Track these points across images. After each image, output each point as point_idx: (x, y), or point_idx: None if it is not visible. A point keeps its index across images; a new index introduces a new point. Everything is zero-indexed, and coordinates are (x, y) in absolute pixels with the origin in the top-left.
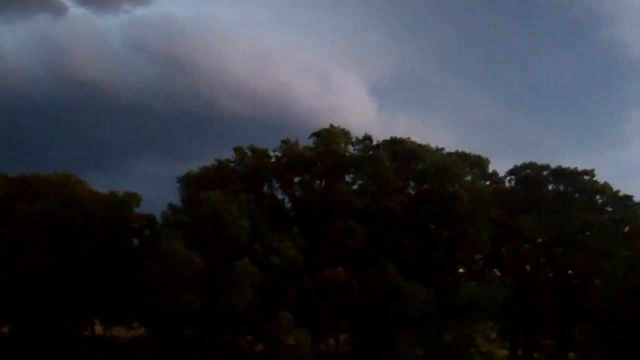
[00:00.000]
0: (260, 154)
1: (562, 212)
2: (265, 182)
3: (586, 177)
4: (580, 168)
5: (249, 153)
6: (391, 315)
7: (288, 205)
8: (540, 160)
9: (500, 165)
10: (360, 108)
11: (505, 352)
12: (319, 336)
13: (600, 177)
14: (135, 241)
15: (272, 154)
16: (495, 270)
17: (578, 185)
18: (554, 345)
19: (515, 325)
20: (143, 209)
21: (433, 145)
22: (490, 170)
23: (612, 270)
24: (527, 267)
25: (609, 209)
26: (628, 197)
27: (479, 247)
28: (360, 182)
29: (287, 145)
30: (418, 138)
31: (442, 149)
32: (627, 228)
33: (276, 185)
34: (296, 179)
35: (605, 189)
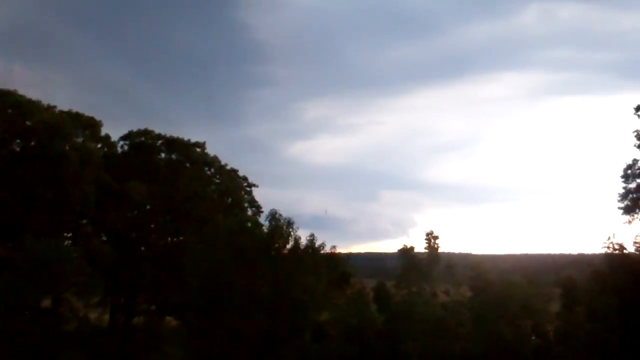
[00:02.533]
0: None
1: (172, 181)
2: None
3: (198, 149)
4: (194, 140)
5: None
6: None
7: None
8: (161, 130)
9: (122, 131)
10: None
11: (107, 317)
12: None
13: (213, 150)
14: None
15: None
16: (103, 235)
17: (190, 156)
18: (154, 310)
19: (117, 291)
20: None
21: (48, 101)
22: (104, 133)
23: (213, 238)
24: (134, 234)
25: (217, 180)
26: (234, 171)
27: (85, 211)
28: None
29: None
30: (36, 92)
31: (54, 106)
32: (230, 199)
33: None
34: None
35: (214, 162)
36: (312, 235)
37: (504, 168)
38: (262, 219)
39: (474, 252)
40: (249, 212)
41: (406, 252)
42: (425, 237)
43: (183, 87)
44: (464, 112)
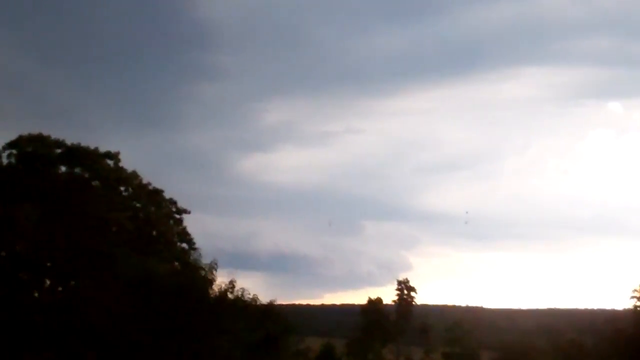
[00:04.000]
0: None
1: (74, 205)
2: None
3: (109, 162)
4: (105, 149)
5: None
6: None
7: None
8: (62, 135)
9: (8, 137)
10: None
11: None
12: None
13: (132, 164)
14: None
15: None
16: None
17: (98, 171)
18: None
19: None
20: None
21: None
22: None
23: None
24: (24, 274)
25: (135, 204)
26: (158, 192)
27: None
28: None
29: None
30: None
31: None
32: (154, 231)
33: None
34: None
35: (131, 179)
36: (231, 282)
37: (525, 194)
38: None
39: (471, 304)
40: (182, 247)
41: (371, 307)
42: (397, 286)
43: (97, 79)
44: (472, 119)
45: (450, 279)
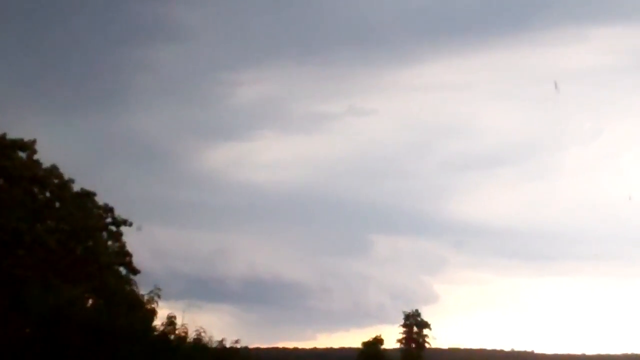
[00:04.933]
0: None
1: None
2: None
3: (21, 154)
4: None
5: None
6: None
7: None
8: None
9: None
10: None
11: None
12: None
13: (52, 157)
14: None
15: None
16: None
17: (6, 166)
18: None
19: None
20: None
21: None
22: None
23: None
24: None
25: (58, 211)
26: (88, 195)
27: None
28: None
29: None
30: None
31: None
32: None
33: None
34: None
35: (51, 177)
36: (169, 318)
37: (594, 198)
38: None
39: (518, 349)
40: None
41: (367, 351)
42: (403, 322)
43: (11, 46)
44: (522, 96)
45: (489, 313)
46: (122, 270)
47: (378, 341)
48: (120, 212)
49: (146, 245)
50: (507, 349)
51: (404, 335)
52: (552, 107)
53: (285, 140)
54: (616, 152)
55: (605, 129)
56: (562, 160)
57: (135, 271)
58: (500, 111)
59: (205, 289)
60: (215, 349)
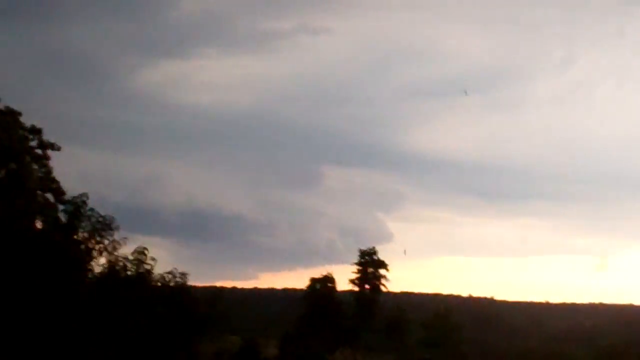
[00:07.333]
0: None
1: None
2: None
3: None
4: None
5: None
6: None
7: None
8: None
9: None
10: None
11: None
12: None
13: None
14: None
15: None
16: None
17: None
18: None
19: None
20: None
21: None
22: None
23: None
24: None
25: None
26: (11, 113)
27: None
28: None
29: None
30: None
31: None
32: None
33: None
34: None
35: None
36: (141, 250)
37: (564, 132)
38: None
39: (477, 294)
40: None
41: (315, 290)
42: (358, 259)
43: None
44: (490, 17)
45: (446, 255)
46: (49, 197)
47: (328, 279)
48: (47, 135)
49: (74, 170)
50: (464, 294)
51: (359, 275)
52: (521, 32)
53: (229, 59)
54: (588, 82)
55: (578, 57)
56: (532, 90)
57: (63, 200)
58: (467, 35)
59: (139, 220)
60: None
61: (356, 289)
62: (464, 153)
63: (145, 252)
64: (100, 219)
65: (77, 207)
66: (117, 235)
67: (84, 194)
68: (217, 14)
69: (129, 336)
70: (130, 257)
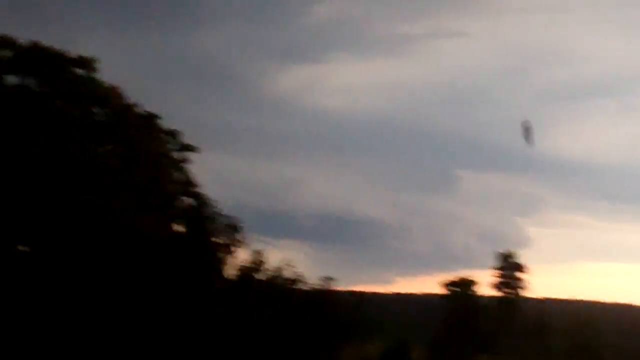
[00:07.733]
0: None
1: (25, 130)
2: None
3: (80, 72)
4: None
5: None
6: None
7: None
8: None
9: None
10: None
11: None
12: None
13: (113, 74)
14: None
15: None
16: None
17: (63, 84)
18: None
19: None
20: None
21: None
22: None
23: None
24: None
25: (118, 135)
26: (152, 117)
27: None
28: None
29: None
30: None
31: None
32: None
33: None
34: None
35: (111, 96)
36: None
37: None
38: None
39: (621, 301)
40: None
41: (457, 294)
42: (498, 263)
43: None
44: (630, 19)
45: (586, 261)
46: (190, 201)
47: (470, 283)
48: (186, 138)
49: (211, 175)
50: (605, 300)
51: (501, 280)
52: None
53: (363, 64)
54: None
55: None
56: None
57: (204, 203)
58: (605, 36)
59: (273, 224)
60: (307, 290)
61: (497, 293)
62: (603, 156)
63: (288, 259)
64: (236, 224)
65: (215, 212)
66: (253, 239)
67: (221, 199)
68: (351, 18)
69: (271, 340)
70: (273, 262)
